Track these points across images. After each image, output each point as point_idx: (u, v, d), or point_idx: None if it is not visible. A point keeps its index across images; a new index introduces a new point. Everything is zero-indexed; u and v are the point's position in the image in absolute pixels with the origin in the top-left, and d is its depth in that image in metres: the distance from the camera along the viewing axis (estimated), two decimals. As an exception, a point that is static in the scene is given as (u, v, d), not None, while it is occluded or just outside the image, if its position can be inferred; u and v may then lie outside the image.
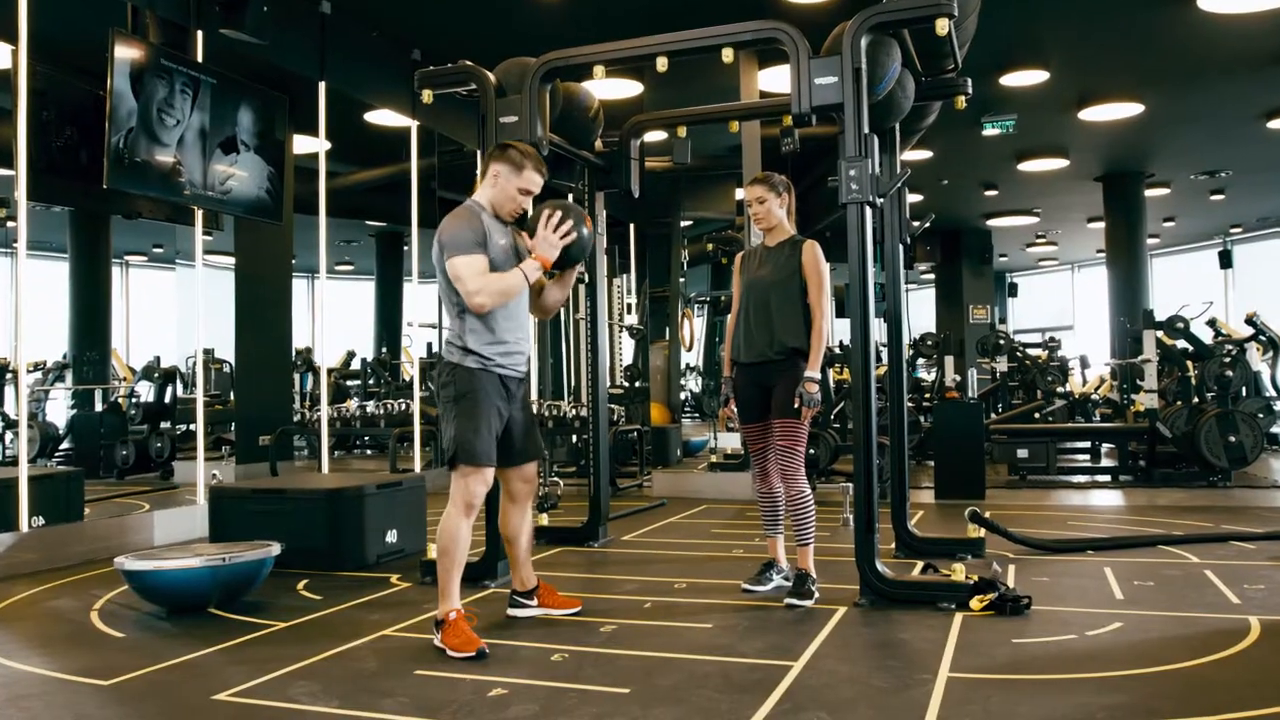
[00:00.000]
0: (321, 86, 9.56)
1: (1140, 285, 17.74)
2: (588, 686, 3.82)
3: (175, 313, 13.17)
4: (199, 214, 8.26)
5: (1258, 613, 4.81)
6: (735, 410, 5.58)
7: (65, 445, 12.64)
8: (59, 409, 13.39)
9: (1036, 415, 12.81)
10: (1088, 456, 13.05)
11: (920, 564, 5.93)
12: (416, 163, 10.73)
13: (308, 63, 9.54)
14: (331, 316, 10.75)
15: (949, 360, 13.59)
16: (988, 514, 6.66)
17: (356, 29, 10.14)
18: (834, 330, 21.26)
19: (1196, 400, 10.90)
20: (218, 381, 13.50)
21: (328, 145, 9.73)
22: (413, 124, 10.74)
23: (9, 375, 12.08)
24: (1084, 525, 7.75)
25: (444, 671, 4.06)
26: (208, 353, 12.71)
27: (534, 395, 12.76)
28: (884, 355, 7.17)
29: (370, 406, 12.35)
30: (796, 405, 5.22)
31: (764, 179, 5.57)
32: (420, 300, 11.88)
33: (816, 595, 5.22)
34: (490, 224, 4.68)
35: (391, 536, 6.77)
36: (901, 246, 6.73)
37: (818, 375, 5.25)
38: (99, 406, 12.93)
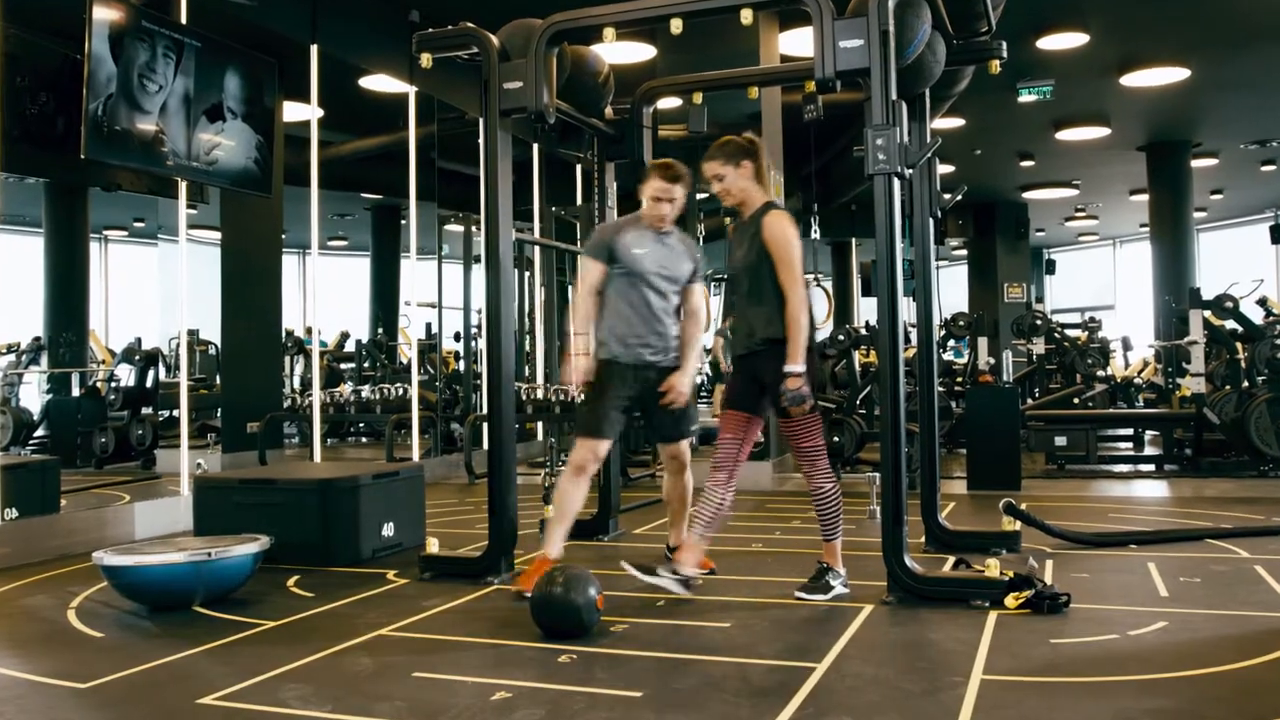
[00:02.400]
0: (313, 50, 9.54)
1: (1186, 262, 17.69)
2: (597, 690, 3.82)
3: (157, 292, 13.16)
4: (183, 186, 8.26)
5: (1313, 612, 4.80)
6: None
7: (40, 433, 12.65)
8: (33, 394, 13.40)
9: (1076, 400, 12.80)
10: (1130, 444, 13.06)
11: (952, 559, 5.92)
12: (415, 131, 10.72)
13: (298, 25, 9.52)
14: (324, 295, 10.72)
15: (982, 342, 13.57)
16: (1024, 506, 6.63)
17: (351, -12, 10.13)
18: (827, 310, 21.06)
19: (1246, 384, 10.87)
20: (202, 364, 13.49)
21: (320, 113, 9.72)
22: (411, 90, 10.72)
23: (-19, 358, 12.12)
24: (1126, 518, 7.73)
25: (443, 674, 4.06)
26: (192, 334, 12.70)
27: (539, 379, 12.76)
28: (913, 336, 7.14)
29: (365, 391, 12.35)
30: (784, 406, 5.17)
31: (718, 149, 5.45)
32: (419, 278, 11.86)
33: (837, 590, 5.22)
34: (634, 235, 5.76)
35: (388, 530, 6.77)
36: (932, 221, 6.71)
37: (799, 368, 5.09)
38: (76, 391, 12.92)
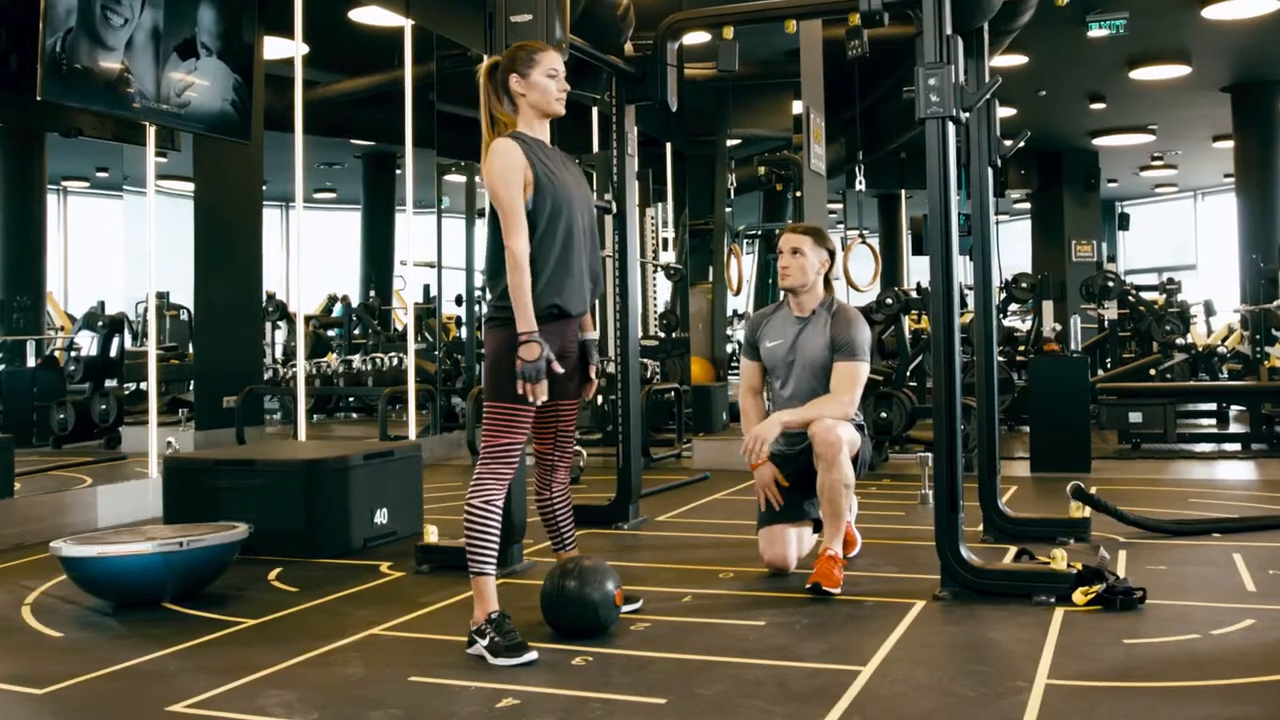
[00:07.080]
0: (296, -22, 9.53)
1: (1276, 216, 17.58)
2: (616, 695, 3.81)
3: (123, 249, 13.20)
4: (151, 131, 8.25)
5: None
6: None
7: (-10, 408, 12.74)
8: (-17, 365, 13.47)
9: (1152, 372, 12.75)
10: (1213, 421, 13.00)
11: (1013, 549, 5.90)
12: (411, 70, 10.69)
13: (279, -50, 9.51)
14: (310, 254, 10.72)
15: (1048, 306, 13.52)
16: (1094, 490, 6.61)
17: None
18: (874, 271, 21.11)
19: (1346, 354, 10.81)
20: (173, 331, 13.54)
21: (305, 49, 9.70)
22: (406, 23, 10.69)
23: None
24: (1209, 503, 7.70)
25: (443, 678, 4.05)
26: (161, 297, 12.74)
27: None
28: (969, 300, 7.11)
29: (356, 361, 12.38)
30: None
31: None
32: (416, 234, 11.85)
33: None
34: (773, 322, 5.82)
35: (381, 517, 6.78)
36: (991, 170, 6.66)
37: None
38: (31, 361, 12.97)
